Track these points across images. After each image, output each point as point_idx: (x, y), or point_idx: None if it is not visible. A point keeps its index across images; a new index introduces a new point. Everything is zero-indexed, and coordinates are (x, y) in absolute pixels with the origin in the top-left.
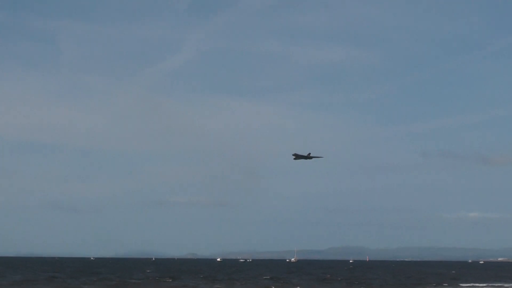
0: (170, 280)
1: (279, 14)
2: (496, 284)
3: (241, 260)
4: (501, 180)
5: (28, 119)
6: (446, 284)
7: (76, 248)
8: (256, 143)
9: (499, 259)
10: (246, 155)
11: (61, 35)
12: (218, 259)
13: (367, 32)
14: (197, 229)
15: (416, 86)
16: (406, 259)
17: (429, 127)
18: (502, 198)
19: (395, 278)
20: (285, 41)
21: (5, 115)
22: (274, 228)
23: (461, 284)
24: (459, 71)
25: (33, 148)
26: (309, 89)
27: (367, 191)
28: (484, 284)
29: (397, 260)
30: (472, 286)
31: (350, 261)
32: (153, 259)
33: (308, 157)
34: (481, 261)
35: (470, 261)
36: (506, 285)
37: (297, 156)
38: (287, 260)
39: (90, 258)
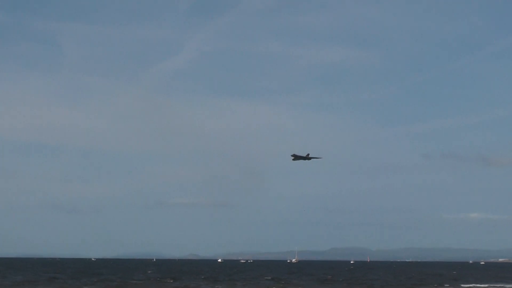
0: (171, 281)
1: (280, 15)
2: (497, 285)
3: (242, 261)
4: (502, 181)
5: (29, 120)
6: (448, 285)
7: (77, 249)
8: (257, 144)
9: (500, 260)
10: (247, 156)
11: (63, 36)
12: (219, 260)
13: (368, 33)
14: (198, 230)
15: (416, 86)
16: (407, 260)
17: (429, 127)
18: (503, 199)
19: (396, 279)
20: (285, 41)
21: (6, 116)
22: (275, 228)
23: (462, 285)
24: (459, 71)
25: (34, 149)
26: (309, 90)
27: (368, 192)
28: (486, 285)
29: (398, 260)
30: (473, 286)
31: (351, 262)
32: (154, 260)
33: (306, 157)
34: (482, 261)
35: (471, 261)
36: (507, 285)
37: (296, 157)
38: (288, 261)
39: (91, 259)
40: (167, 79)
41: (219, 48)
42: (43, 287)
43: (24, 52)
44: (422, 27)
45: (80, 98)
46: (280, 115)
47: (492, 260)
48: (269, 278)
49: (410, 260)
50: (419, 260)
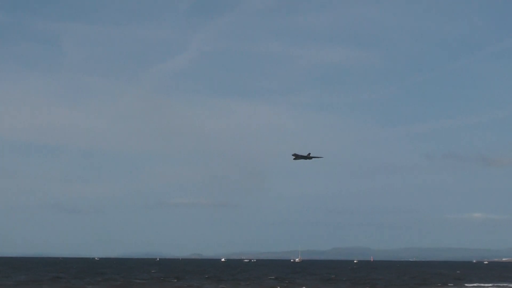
0: (175, 280)
1: (280, 15)
2: (501, 284)
3: (246, 260)
4: (504, 180)
5: (29, 120)
6: (452, 284)
7: (80, 249)
8: (259, 144)
9: (504, 259)
10: (249, 156)
11: (64, 36)
12: (222, 259)
13: (368, 33)
14: (201, 230)
15: (417, 86)
16: (410, 259)
17: (431, 127)
18: (506, 199)
19: (399, 279)
20: (286, 42)
21: (7, 116)
22: (278, 228)
23: (466, 284)
24: (460, 71)
25: (35, 149)
26: (309, 90)
27: (370, 192)
28: (490, 284)
29: (401, 260)
30: (477, 286)
31: (355, 262)
32: (157, 259)
33: (308, 157)
34: (485, 261)
35: (474, 261)
36: (511, 285)
37: (297, 156)
38: (291, 260)
39: (94, 258)
40: (167, 79)
41: (219, 48)
42: (47, 286)
43: (24, 52)
44: (422, 27)
45: (80, 98)
46: (280, 115)
47: (495, 259)
48: (273, 277)
49: (413, 259)
50: (421, 260)
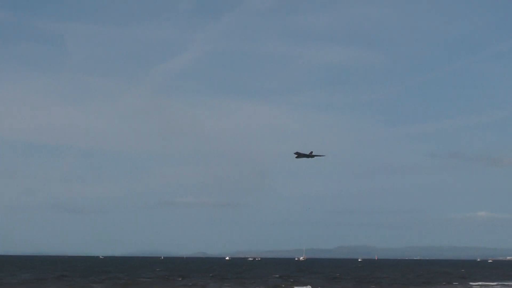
0: (180, 279)
1: (281, 15)
2: (506, 283)
3: (250, 259)
4: (508, 180)
5: (32, 120)
6: (456, 283)
7: (85, 247)
8: (260, 144)
9: (508, 258)
10: (251, 156)
11: (66, 36)
12: (227, 258)
13: (369, 33)
14: (206, 229)
15: (418, 86)
16: (414, 258)
17: (435, 127)
18: (509, 197)
19: (404, 277)
20: (288, 42)
21: (8, 116)
22: (282, 227)
23: (471, 283)
24: (462, 72)
25: (43, 149)
26: (311, 90)
27: (374, 192)
28: (494, 283)
29: (405, 259)
30: (482, 285)
31: (359, 260)
32: (162, 258)
33: (310, 155)
34: (489, 260)
35: (478, 259)
36: None
37: (299, 155)
38: (296, 259)
39: (99, 257)
40: (168, 79)
41: (220, 48)
42: (52, 285)
43: (26, 52)
44: (424, 27)
45: (81, 98)
46: (281, 115)
47: (499, 258)
48: (278, 276)
49: (416, 258)
50: (425, 258)
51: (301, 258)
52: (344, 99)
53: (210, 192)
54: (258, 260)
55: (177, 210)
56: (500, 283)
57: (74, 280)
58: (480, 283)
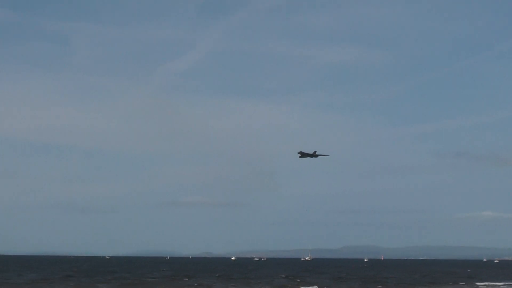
0: (186, 279)
1: (282, 15)
2: None
3: (256, 259)
4: None
5: (36, 120)
6: (463, 283)
7: (91, 247)
8: (264, 144)
9: None
10: (255, 156)
11: (73, 36)
12: (233, 258)
13: (371, 33)
14: (211, 229)
15: (420, 86)
16: (420, 258)
17: (439, 127)
18: None
19: (410, 277)
20: (288, 42)
21: (9, 116)
22: (288, 227)
23: (477, 283)
24: (465, 72)
25: (44, 149)
26: (313, 90)
27: (379, 192)
28: (501, 283)
29: (411, 258)
30: (489, 285)
31: (365, 260)
32: (168, 257)
33: (314, 155)
34: (495, 259)
35: (485, 259)
36: None
37: (303, 154)
38: (302, 259)
39: (104, 256)
40: (171, 79)
41: (221, 48)
42: (58, 284)
43: (28, 52)
44: (426, 27)
45: (84, 98)
46: (284, 115)
47: (506, 258)
48: (284, 276)
49: (422, 258)
50: (431, 258)
51: (307, 258)
52: (345, 99)
53: (215, 192)
54: (264, 260)
55: (182, 210)
56: (507, 283)
57: (80, 280)
58: (486, 283)
